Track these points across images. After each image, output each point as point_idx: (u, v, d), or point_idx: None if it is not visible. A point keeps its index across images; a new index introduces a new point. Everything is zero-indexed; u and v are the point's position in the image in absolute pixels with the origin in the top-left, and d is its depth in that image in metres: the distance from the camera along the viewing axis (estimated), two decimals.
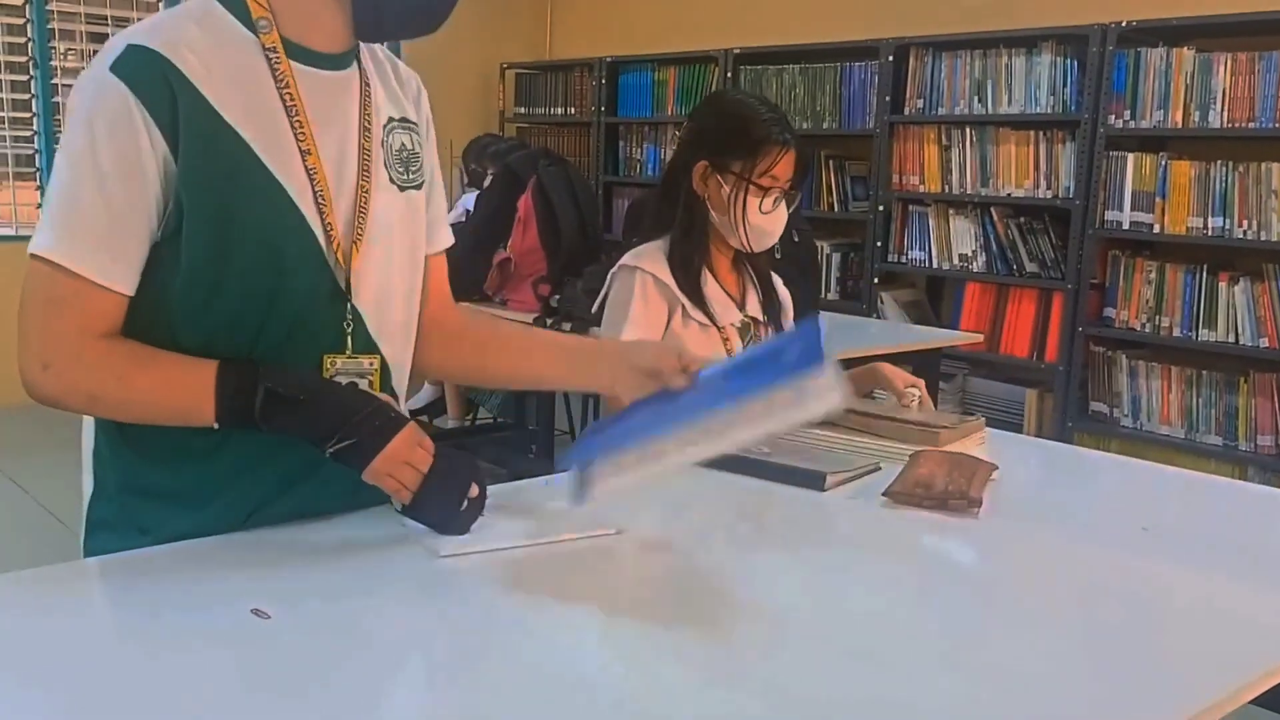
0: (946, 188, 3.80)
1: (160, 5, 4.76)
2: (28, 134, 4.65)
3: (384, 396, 1.06)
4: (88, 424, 1.09)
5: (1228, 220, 3.15)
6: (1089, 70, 3.40)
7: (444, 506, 1.05)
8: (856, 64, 4.07)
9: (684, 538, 1.21)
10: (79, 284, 0.95)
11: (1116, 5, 3.43)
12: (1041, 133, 3.57)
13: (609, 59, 4.97)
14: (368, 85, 1.08)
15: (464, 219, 3.62)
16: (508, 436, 3.77)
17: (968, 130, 3.73)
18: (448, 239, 1.23)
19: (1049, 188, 3.56)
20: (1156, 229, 3.29)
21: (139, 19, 1.04)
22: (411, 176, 1.11)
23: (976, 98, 3.72)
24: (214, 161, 0.97)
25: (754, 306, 1.66)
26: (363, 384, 1.07)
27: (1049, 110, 3.54)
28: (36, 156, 4.66)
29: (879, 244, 3.98)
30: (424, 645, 0.92)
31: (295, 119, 1.01)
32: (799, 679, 0.85)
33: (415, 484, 1.02)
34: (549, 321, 2.98)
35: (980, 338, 3.37)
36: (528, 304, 3.11)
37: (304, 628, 0.89)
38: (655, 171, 4.78)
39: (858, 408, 1.58)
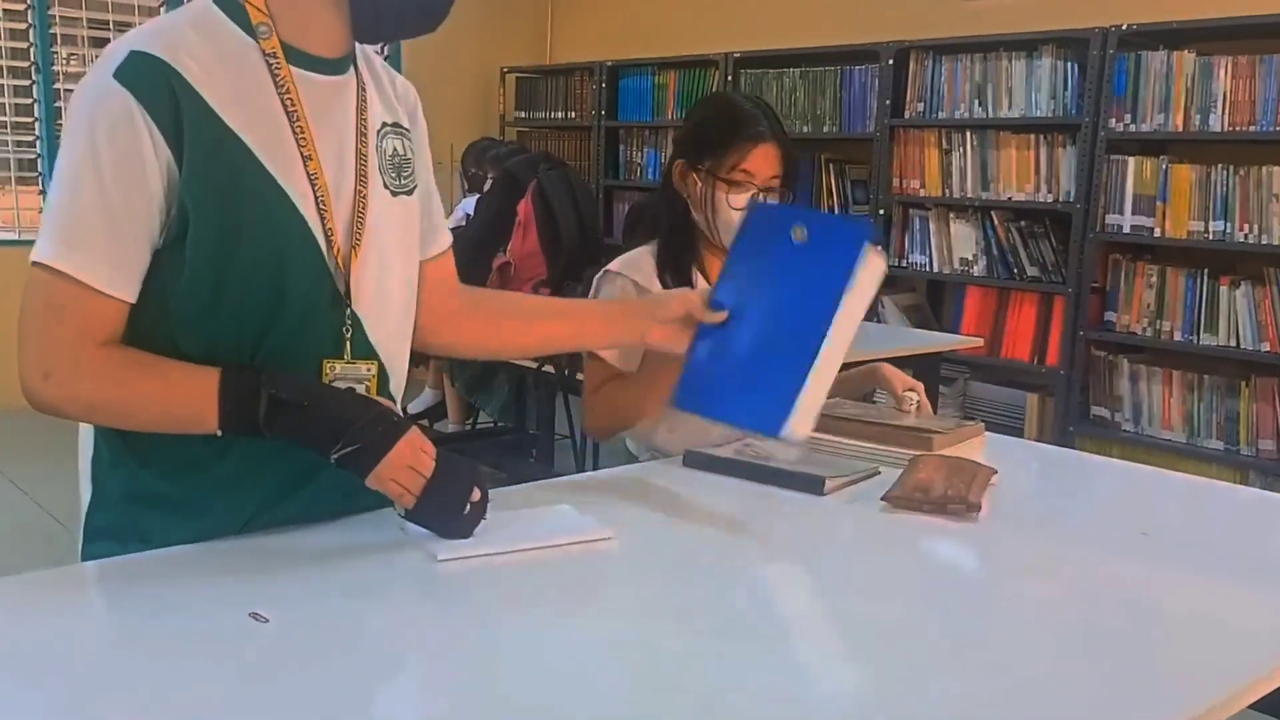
0: (947, 191, 3.80)
1: (162, 10, 4.78)
2: (30, 138, 4.66)
3: (385, 402, 1.06)
4: (85, 432, 1.08)
5: (1229, 224, 3.14)
6: (1089, 74, 3.40)
7: (446, 511, 1.05)
8: (857, 67, 4.07)
9: (682, 542, 1.21)
10: (80, 291, 0.95)
11: (1117, 8, 3.43)
12: (1042, 136, 3.56)
13: (609, 63, 4.98)
14: (364, 90, 1.08)
15: (464, 223, 3.63)
16: (508, 440, 3.77)
17: (968, 134, 3.74)
18: (446, 240, 1.24)
19: (1050, 191, 3.56)
20: (1157, 233, 3.29)
21: (141, 23, 1.04)
22: (404, 182, 1.12)
23: (977, 101, 3.72)
24: (218, 167, 0.96)
25: None
26: (360, 389, 1.07)
27: (1049, 114, 3.54)
28: (38, 161, 4.67)
29: (879, 248, 3.98)
30: (421, 649, 0.92)
31: (296, 124, 1.01)
32: (798, 682, 0.85)
33: (418, 488, 1.02)
34: None
35: (980, 342, 3.37)
36: None
37: (302, 632, 0.89)
38: (655, 175, 4.78)
39: (856, 413, 1.58)
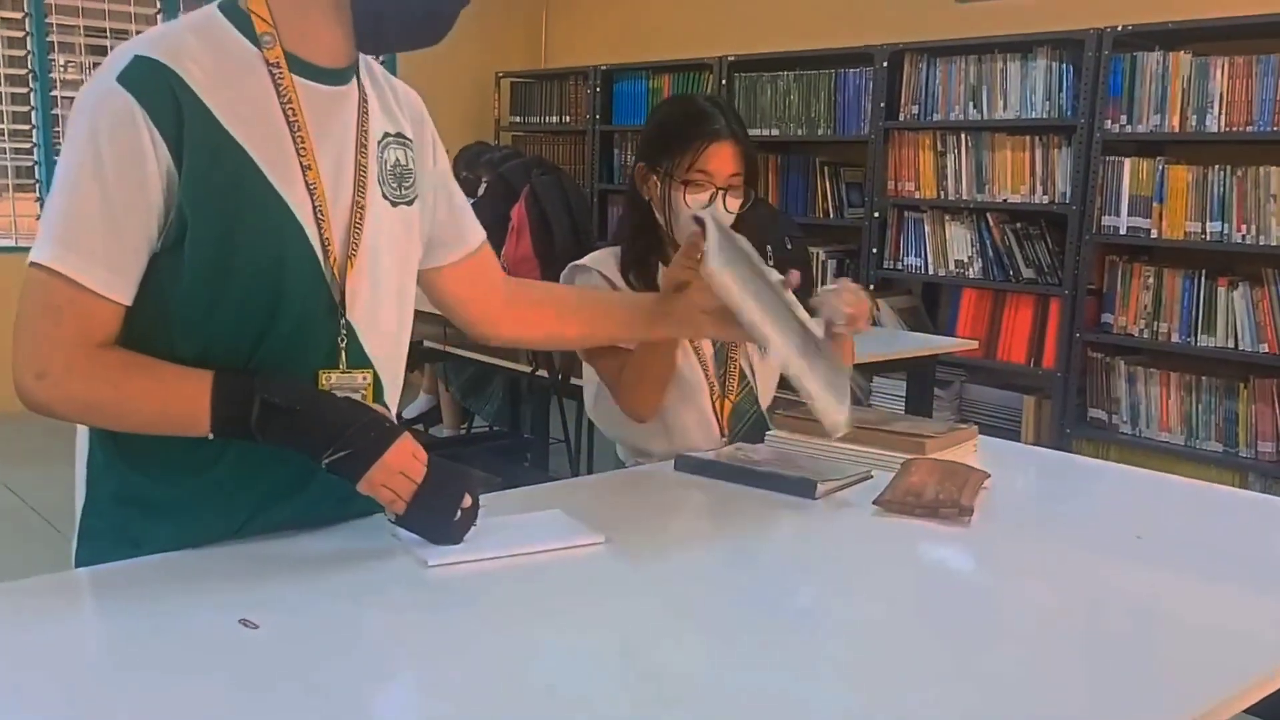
0: (942, 194, 3.80)
1: (158, 18, 4.78)
2: (27, 146, 4.66)
3: (378, 408, 1.06)
4: (82, 435, 1.09)
5: (1226, 225, 3.14)
6: (1085, 75, 3.39)
7: (438, 517, 1.05)
8: (851, 70, 4.07)
9: (673, 547, 1.20)
10: (76, 292, 0.95)
11: (1112, 9, 3.43)
12: (1037, 138, 3.56)
13: (604, 67, 4.98)
14: (365, 101, 1.08)
15: None
16: (503, 445, 3.76)
17: (963, 136, 3.73)
18: (478, 237, 1.25)
19: (1045, 193, 3.56)
20: (1154, 234, 3.28)
21: (138, 31, 1.05)
22: (404, 192, 1.11)
23: (972, 103, 3.72)
24: (218, 173, 0.97)
25: None
26: (356, 399, 1.06)
27: (1045, 115, 3.53)
28: (36, 168, 4.67)
29: (875, 251, 3.98)
30: (412, 655, 0.91)
31: (297, 134, 1.01)
32: (791, 686, 0.85)
33: (410, 494, 1.02)
34: None
35: (974, 344, 3.36)
36: None
37: (291, 638, 0.89)
38: None
39: (853, 415, 1.57)
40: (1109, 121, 3.36)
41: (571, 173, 4.87)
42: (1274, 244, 3.05)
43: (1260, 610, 1.05)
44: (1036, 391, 3.67)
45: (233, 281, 0.99)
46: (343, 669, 0.85)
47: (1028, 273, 3.64)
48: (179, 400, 0.98)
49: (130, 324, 0.99)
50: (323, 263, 1.03)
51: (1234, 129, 3.11)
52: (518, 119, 5.47)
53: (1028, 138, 3.58)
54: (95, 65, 1.00)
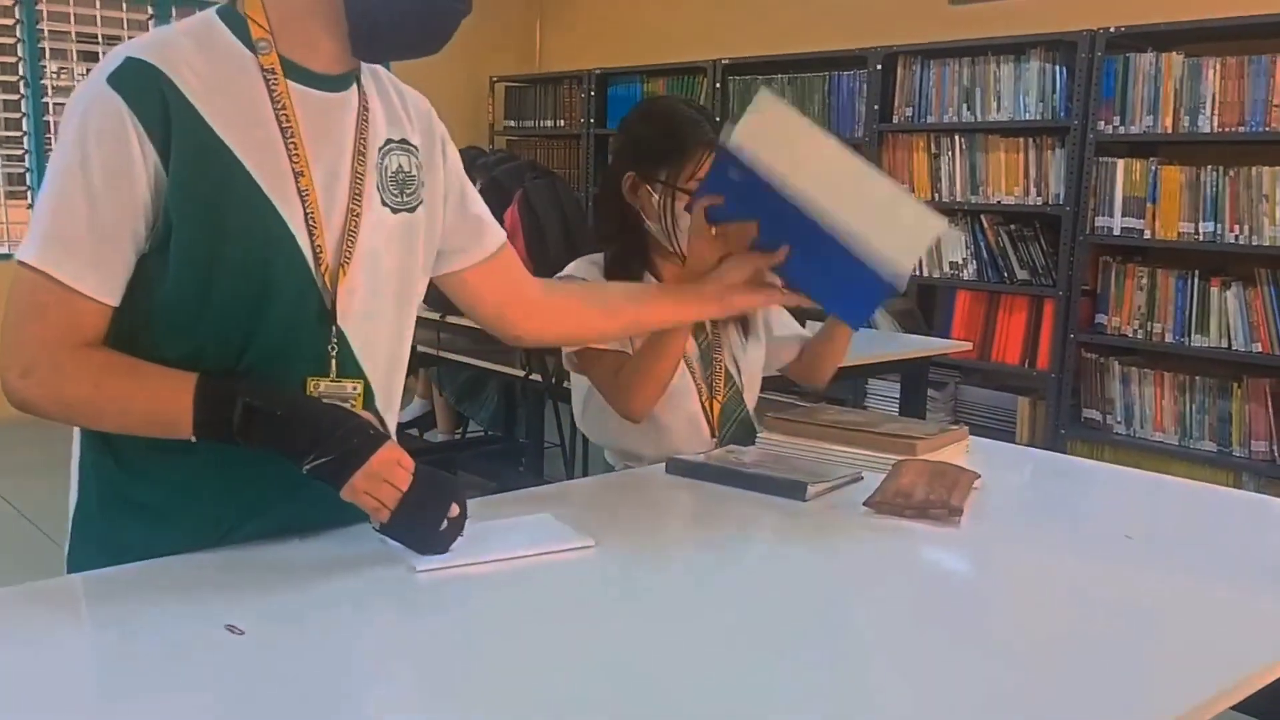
0: (936, 195, 3.80)
1: (151, 23, 4.78)
2: (19, 153, 4.65)
3: (365, 414, 1.05)
4: (75, 436, 1.09)
5: (1219, 225, 3.14)
6: (1078, 76, 3.40)
7: (423, 526, 1.04)
8: (845, 73, 4.08)
9: (664, 550, 1.20)
10: (63, 292, 0.95)
11: (1105, 11, 3.44)
12: (1031, 139, 3.57)
13: (598, 71, 4.99)
14: (366, 107, 1.08)
15: None
16: (497, 450, 3.75)
17: (957, 138, 3.74)
18: (496, 238, 1.24)
19: (1039, 194, 3.56)
20: (1147, 234, 3.29)
21: (130, 38, 1.05)
22: (406, 199, 1.10)
23: (965, 105, 3.73)
24: (205, 177, 0.97)
25: None
26: (346, 408, 1.05)
27: (1038, 117, 3.54)
28: (27, 175, 4.67)
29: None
30: (398, 659, 0.91)
31: (290, 140, 1.01)
32: (781, 688, 0.84)
33: (394, 502, 1.01)
34: None
35: (968, 345, 3.36)
36: None
37: (277, 644, 0.88)
38: None
39: (839, 418, 1.57)
40: (1102, 123, 3.36)
41: (566, 177, 4.87)
42: (1267, 244, 3.06)
43: (1247, 607, 1.05)
44: (1031, 392, 3.67)
45: (218, 285, 0.99)
46: (329, 675, 0.85)
47: (1022, 274, 3.64)
48: (161, 401, 0.98)
49: (117, 325, 0.99)
50: (313, 270, 1.02)
51: (1226, 129, 3.12)
52: (512, 123, 5.47)
53: (1021, 139, 3.59)
54: (87, 72, 1.01)
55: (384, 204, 1.08)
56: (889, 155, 3.93)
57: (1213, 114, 3.14)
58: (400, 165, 1.10)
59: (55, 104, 4.59)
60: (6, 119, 4.58)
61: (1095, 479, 1.63)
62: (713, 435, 1.58)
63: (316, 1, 1.00)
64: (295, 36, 1.01)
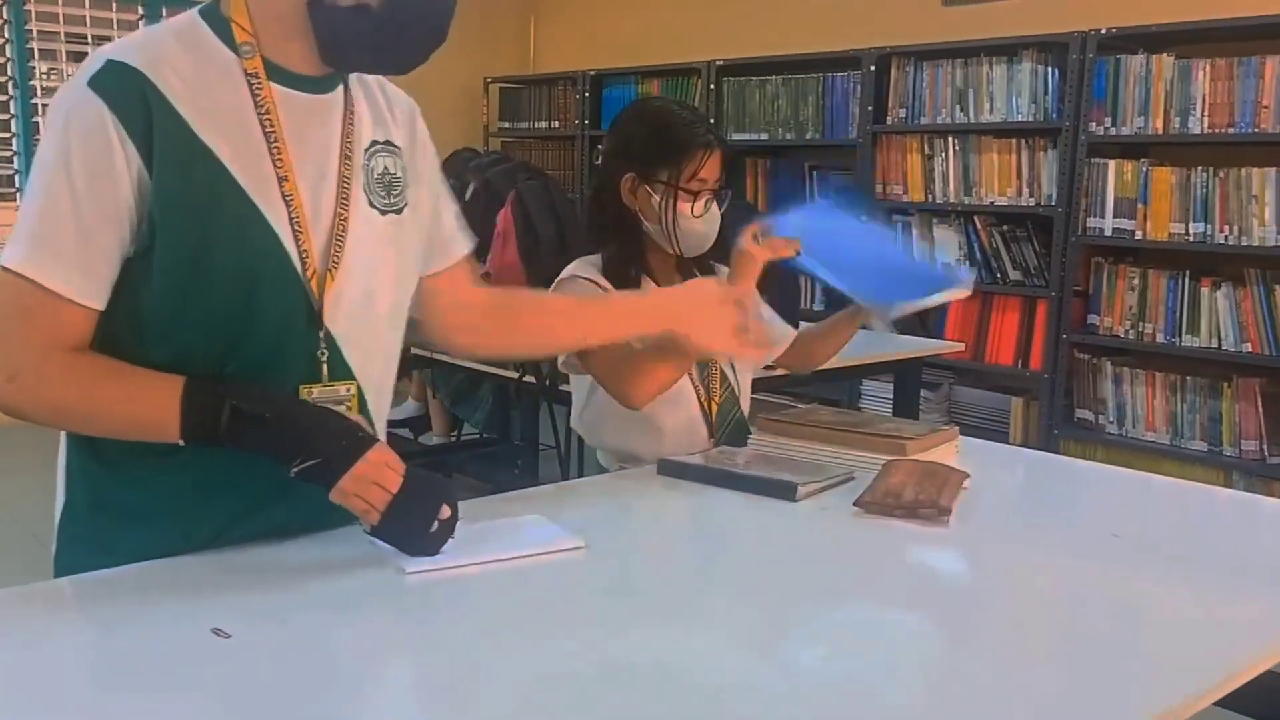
0: (930, 196, 3.81)
1: (140, 24, 4.76)
2: (7, 154, 4.63)
3: (355, 417, 1.05)
4: (61, 440, 1.08)
5: (1209, 226, 3.15)
6: (1069, 78, 3.41)
7: (412, 528, 1.03)
8: (839, 74, 4.08)
9: (653, 551, 1.20)
10: (47, 296, 0.95)
11: (1096, 12, 3.45)
12: (1023, 140, 3.58)
13: (592, 72, 4.99)
14: (352, 109, 1.07)
15: None
16: (492, 452, 3.75)
17: (950, 139, 3.75)
18: (459, 250, 1.23)
19: (1031, 195, 3.57)
20: (1139, 235, 3.30)
21: (120, 38, 1.04)
22: (393, 200, 1.10)
23: (958, 106, 3.73)
24: (188, 180, 0.96)
25: None
26: (341, 410, 1.05)
27: (1030, 118, 3.55)
28: (16, 177, 4.64)
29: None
30: (387, 662, 0.91)
31: (274, 144, 1.00)
32: (770, 688, 0.84)
33: (383, 505, 1.00)
34: None
35: (961, 346, 3.37)
36: None
37: (265, 647, 0.88)
38: None
39: (830, 419, 1.58)
40: (1093, 124, 3.37)
41: (561, 178, 4.86)
42: (1256, 244, 3.07)
43: (1232, 604, 1.06)
44: (1024, 393, 3.68)
45: (204, 289, 0.98)
46: (316, 678, 0.84)
47: (1015, 275, 3.65)
48: (149, 405, 0.98)
49: (103, 329, 0.99)
50: (300, 273, 1.02)
51: (1216, 131, 3.13)
52: (507, 124, 5.47)
53: (1013, 140, 3.59)
54: (79, 66, 1.00)
55: (372, 205, 1.08)
56: (882, 156, 3.94)
57: (1203, 115, 3.15)
58: (386, 167, 1.10)
59: (44, 105, 4.57)
60: None
61: (1085, 478, 1.64)
62: (710, 436, 1.58)
63: (294, 9, 1.00)
64: (278, 38, 1.01)
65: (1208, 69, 3.13)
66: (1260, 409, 3.13)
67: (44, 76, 4.64)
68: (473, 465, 3.61)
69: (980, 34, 3.72)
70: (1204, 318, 3.21)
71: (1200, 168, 3.16)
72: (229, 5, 1.01)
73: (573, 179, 5.07)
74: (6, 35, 4.53)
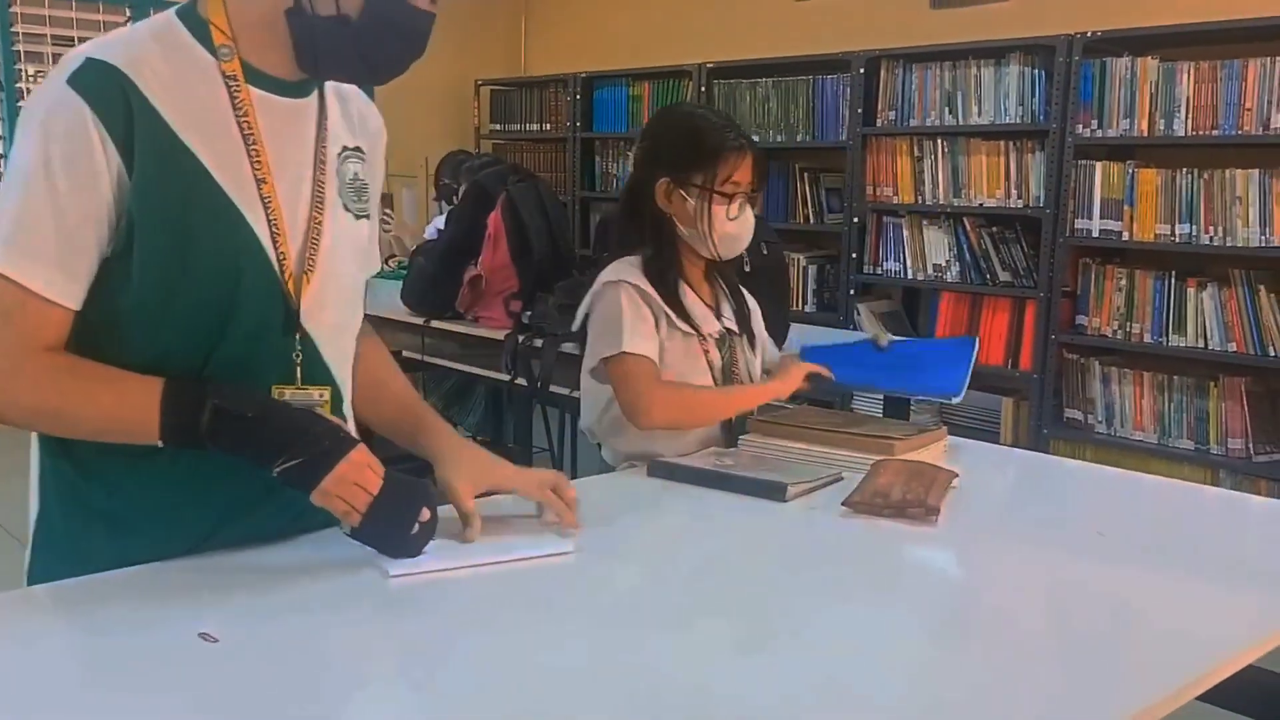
0: (919, 198, 3.83)
1: (127, 25, 4.74)
2: None
3: (334, 418, 1.04)
4: (34, 445, 1.07)
5: (1194, 227, 3.18)
6: (1056, 80, 3.43)
7: (393, 530, 1.03)
8: (829, 77, 4.10)
9: (642, 553, 1.20)
10: (24, 296, 0.94)
11: (1082, 16, 3.47)
12: (1011, 143, 3.60)
13: (583, 74, 4.99)
14: (325, 115, 1.08)
15: (435, 238, 3.61)
16: None
17: (939, 141, 3.76)
18: (374, 267, 1.20)
19: (1020, 197, 3.59)
20: (1125, 236, 3.32)
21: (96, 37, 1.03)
22: (363, 204, 1.12)
23: (947, 109, 3.75)
24: (169, 180, 0.96)
25: (728, 316, 1.67)
26: (315, 411, 1.05)
27: (1018, 120, 3.57)
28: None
29: (854, 256, 4.00)
30: (372, 667, 0.91)
31: (252, 146, 1.00)
32: (759, 689, 0.85)
33: (364, 506, 1.00)
34: (520, 339, 2.97)
35: None
36: (499, 321, 3.10)
37: (251, 651, 0.88)
38: None
39: (819, 420, 1.59)
40: (1080, 126, 3.39)
41: (552, 180, 4.87)
42: (1240, 245, 3.10)
43: (1214, 599, 1.07)
44: (1014, 393, 3.70)
45: (184, 290, 0.98)
46: (303, 681, 0.84)
47: (1004, 276, 3.67)
48: (128, 406, 0.97)
49: (80, 330, 0.98)
50: (279, 275, 1.02)
51: (1200, 133, 3.15)
52: (498, 126, 5.47)
53: (1002, 142, 3.61)
54: (56, 64, 0.99)
55: (346, 209, 1.08)
56: (872, 159, 3.96)
57: (1187, 117, 3.17)
58: (356, 173, 1.11)
59: None
60: None
61: (1072, 477, 1.65)
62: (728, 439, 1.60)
63: (273, 16, 0.99)
64: (256, 42, 1.01)
65: (1191, 72, 3.16)
66: (1246, 408, 3.16)
67: (31, 79, 4.62)
68: None
69: (968, 37, 3.75)
70: (1190, 318, 3.23)
71: (1185, 169, 3.19)
72: (206, 7, 1.01)
73: (564, 181, 5.07)
74: None
